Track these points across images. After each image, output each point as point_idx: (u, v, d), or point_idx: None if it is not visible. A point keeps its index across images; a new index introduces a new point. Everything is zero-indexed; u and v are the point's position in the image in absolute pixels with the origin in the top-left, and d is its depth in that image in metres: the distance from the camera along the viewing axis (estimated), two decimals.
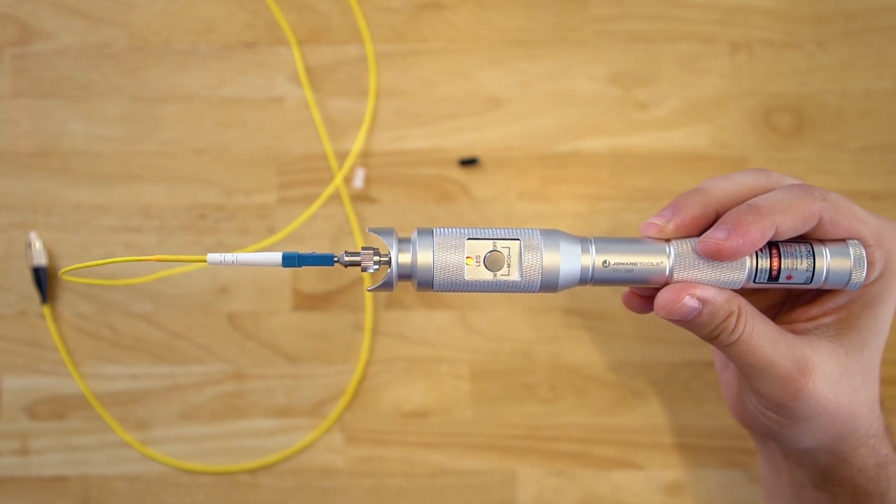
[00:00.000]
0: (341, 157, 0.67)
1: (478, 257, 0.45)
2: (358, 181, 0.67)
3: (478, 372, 0.66)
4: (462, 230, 0.45)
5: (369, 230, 0.45)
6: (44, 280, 0.65)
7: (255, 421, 0.66)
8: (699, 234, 0.46)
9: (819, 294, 0.49)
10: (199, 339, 0.66)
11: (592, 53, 0.68)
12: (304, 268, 0.66)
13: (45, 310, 0.66)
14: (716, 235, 0.44)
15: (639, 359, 0.67)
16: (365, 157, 0.68)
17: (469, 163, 0.67)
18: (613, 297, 0.67)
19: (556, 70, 0.68)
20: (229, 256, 0.44)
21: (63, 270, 0.48)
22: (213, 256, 0.44)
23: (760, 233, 0.44)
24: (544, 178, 0.67)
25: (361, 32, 0.68)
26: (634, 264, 0.46)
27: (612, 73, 0.68)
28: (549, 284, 0.45)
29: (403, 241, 0.45)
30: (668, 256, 0.46)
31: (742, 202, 0.46)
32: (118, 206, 0.67)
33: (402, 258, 0.45)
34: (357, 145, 0.67)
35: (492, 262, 0.45)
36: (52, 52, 0.68)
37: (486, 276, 0.45)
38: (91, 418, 0.66)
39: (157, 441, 0.66)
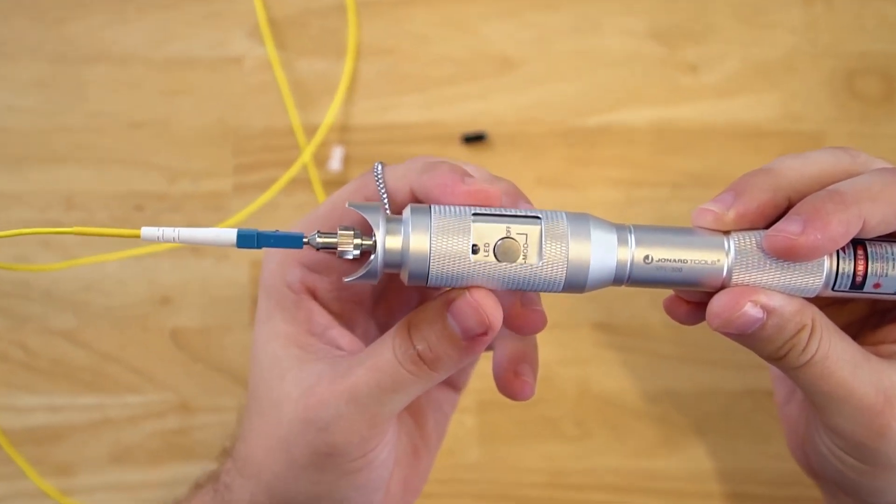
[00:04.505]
0: (312, 131, 0.67)
1: (486, 245, 0.43)
2: (335, 163, 0.67)
3: (486, 403, 0.66)
4: (467, 207, 0.43)
5: (349, 205, 0.43)
6: None
7: (206, 465, 0.61)
8: (766, 226, 0.45)
9: None
10: (135, 362, 0.66)
11: (628, 2, 0.69)
12: None
13: None
14: (787, 228, 0.43)
15: (687, 386, 0.66)
16: (343, 131, 0.68)
17: (474, 140, 0.67)
18: (655, 310, 0.66)
19: (582, 23, 0.69)
20: (169, 232, 0.42)
21: None
22: (148, 231, 0.42)
23: (843, 227, 0.43)
24: (568, 160, 0.68)
25: None
26: (684, 261, 0.44)
27: (654, 27, 0.69)
28: (576, 283, 0.43)
29: (393, 221, 0.43)
30: (727, 253, 0.44)
31: (820, 188, 0.45)
32: (33, 193, 0.67)
33: (390, 242, 0.43)
34: (330, 116, 0.67)
35: (504, 252, 0.43)
36: None
37: None
38: (0, 461, 0.65)
39: (82, 489, 0.65)
